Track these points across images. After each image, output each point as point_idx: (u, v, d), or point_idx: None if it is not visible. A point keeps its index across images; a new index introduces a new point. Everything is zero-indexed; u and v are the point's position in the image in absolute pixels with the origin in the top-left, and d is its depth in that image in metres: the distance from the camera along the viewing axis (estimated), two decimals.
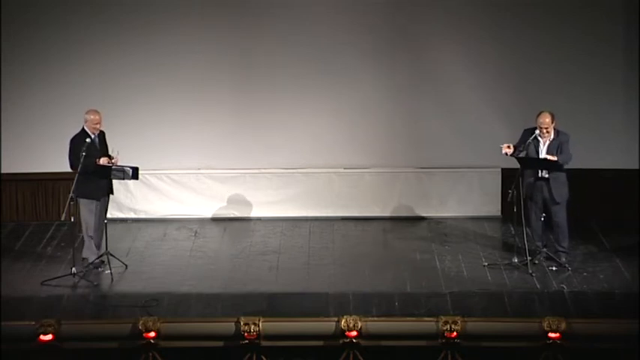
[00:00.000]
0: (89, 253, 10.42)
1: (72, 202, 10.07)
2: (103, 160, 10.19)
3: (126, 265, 10.47)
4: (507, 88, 11.86)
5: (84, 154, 10.11)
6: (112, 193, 10.54)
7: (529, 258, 10.32)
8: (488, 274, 10.33)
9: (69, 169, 10.31)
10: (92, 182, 10.26)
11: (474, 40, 11.78)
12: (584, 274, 10.29)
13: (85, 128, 10.31)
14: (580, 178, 11.23)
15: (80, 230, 10.56)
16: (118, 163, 10.19)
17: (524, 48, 11.78)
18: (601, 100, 11.79)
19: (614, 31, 11.67)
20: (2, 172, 11.82)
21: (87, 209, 10.35)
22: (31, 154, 11.82)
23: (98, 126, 10.27)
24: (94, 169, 10.15)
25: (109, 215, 10.62)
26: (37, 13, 11.67)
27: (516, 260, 10.45)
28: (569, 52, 11.76)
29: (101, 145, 10.33)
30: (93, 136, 10.28)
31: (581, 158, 11.40)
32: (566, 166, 10.36)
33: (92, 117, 10.26)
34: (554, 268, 10.37)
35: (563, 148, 10.25)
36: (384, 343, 9.17)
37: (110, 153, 10.26)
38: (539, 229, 10.49)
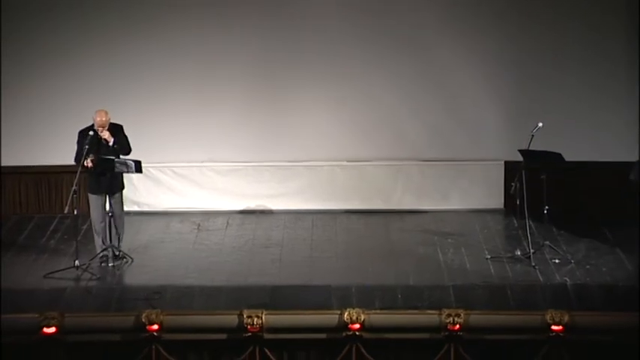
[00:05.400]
0: (96, 247, 10.44)
1: (75, 195, 10.08)
2: (104, 133, 10.16)
3: (132, 258, 10.47)
4: (510, 81, 11.84)
5: (87, 146, 10.12)
6: (123, 188, 10.50)
7: (532, 251, 10.32)
8: (491, 267, 10.32)
9: (72, 162, 10.32)
10: (93, 177, 10.29)
11: (478, 33, 11.76)
12: (587, 266, 10.28)
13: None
14: (584, 171, 11.24)
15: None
16: (105, 137, 10.14)
17: (527, 41, 11.75)
18: (602, 93, 11.76)
19: (615, 26, 11.64)
20: (5, 165, 11.83)
21: (90, 203, 10.40)
22: (35, 147, 11.83)
23: (101, 129, 10.21)
24: (96, 162, 10.16)
25: (108, 208, 10.56)
26: (41, 5, 11.66)
27: (519, 253, 10.45)
28: (571, 47, 11.73)
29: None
30: (101, 134, 10.24)
31: (585, 151, 11.44)
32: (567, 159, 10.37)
33: (97, 119, 10.22)
34: (557, 261, 10.36)
35: None
36: (386, 335, 9.18)
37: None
38: None
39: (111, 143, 10.21)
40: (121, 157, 10.28)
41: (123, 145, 10.30)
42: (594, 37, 11.68)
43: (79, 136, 10.27)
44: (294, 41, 11.81)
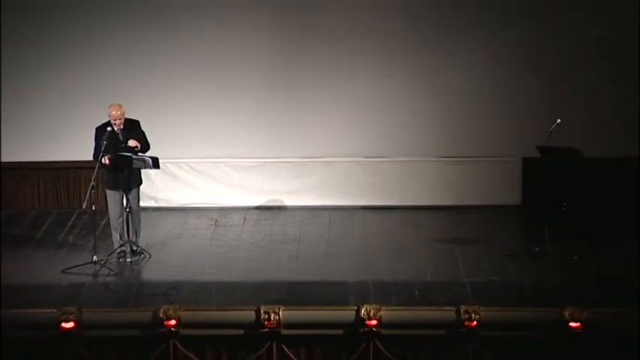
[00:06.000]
0: (114, 243, 10.47)
1: (93, 191, 10.10)
2: (131, 142, 10.21)
3: (149, 254, 10.50)
4: (529, 77, 11.80)
5: (105, 142, 10.14)
6: (140, 184, 10.50)
7: (550, 247, 10.29)
8: (508, 263, 10.29)
9: (90, 158, 10.35)
10: (111, 173, 10.31)
11: (496, 30, 11.73)
12: (606, 263, 10.23)
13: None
14: (603, 167, 11.18)
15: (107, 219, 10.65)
16: (133, 145, 10.18)
17: (543, 38, 11.72)
18: (620, 89, 11.71)
19: (632, 24, 11.59)
20: (24, 160, 11.89)
21: (108, 199, 10.43)
22: (53, 143, 11.88)
23: (118, 122, 10.23)
24: (113, 159, 10.18)
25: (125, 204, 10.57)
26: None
27: (537, 249, 10.41)
28: (588, 43, 11.68)
29: (129, 136, 10.25)
30: (117, 129, 10.25)
31: (604, 147, 11.39)
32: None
33: (112, 113, 10.23)
34: (575, 257, 10.32)
35: None
36: (403, 332, 9.16)
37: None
38: None
39: (138, 149, 10.21)
40: (139, 153, 10.30)
41: (142, 141, 10.31)
42: (611, 33, 11.62)
43: (96, 133, 10.29)
44: (310, 38, 11.81)
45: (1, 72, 11.70)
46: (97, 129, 10.30)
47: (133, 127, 10.34)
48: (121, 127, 10.27)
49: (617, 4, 11.59)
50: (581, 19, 11.65)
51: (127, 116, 10.35)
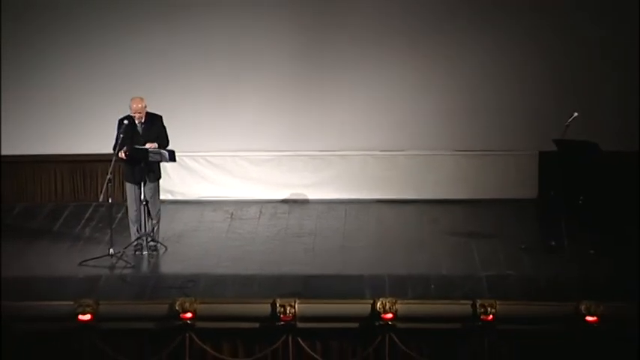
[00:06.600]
0: (131, 236, 10.50)
1: (109, 184, 10.14)
2: (149, 145, 10.24)
3: (166, 247, 10.53)
4: (544, 71, 11.77)
5: (122, 135, 10.17)
6: (159, 178, 10.49)
7: (566, 241, 10.26)
8: (524, 257, 10.27)
9: (107, 151, 10.38)
10: (129, 166, 10.34)
11: (509, 23, 11.72)
12: (622, 257, 10.20)
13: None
14: (620, 161, 11.16)
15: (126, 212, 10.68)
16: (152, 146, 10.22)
17: (559, 30, 11.68)
18: (628, 83, 11.68)
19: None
20: (41, 153, 11.95)
21: (127, 192, 10.46)
22: (70, 136, 11.93)
23: (138, 115, 10.24)
24: (130, 152, 10.20)
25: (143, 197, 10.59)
26: None
27: (553, 243, 10.39)
28: (604, 36, 11.64)
29: (149, 130, 10.29)
30: (138, 123, 10.27)
31: (622, 140, 11.35)
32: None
33: (132, 106, 10.24)
34: (591, 251, 10.29)
35: None
36: (419, 325, 9.17)
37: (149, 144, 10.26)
38: None
39: (156, 146, 10.24)
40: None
41: (162, 137, 10.33)
42: (626, 27, 11.58)
43: (118, 125, 10.30)
44: (327, 33, 11.81)
45: (16, 66, 11.76)
46: (120, 121, 10.32)
47: (154, 122, 10.35)
48: (142, 120, 10.29)
49: (619, 4, 11.55)
50: (585, 18, 11.62)
51: (148, 110, 10.36)
